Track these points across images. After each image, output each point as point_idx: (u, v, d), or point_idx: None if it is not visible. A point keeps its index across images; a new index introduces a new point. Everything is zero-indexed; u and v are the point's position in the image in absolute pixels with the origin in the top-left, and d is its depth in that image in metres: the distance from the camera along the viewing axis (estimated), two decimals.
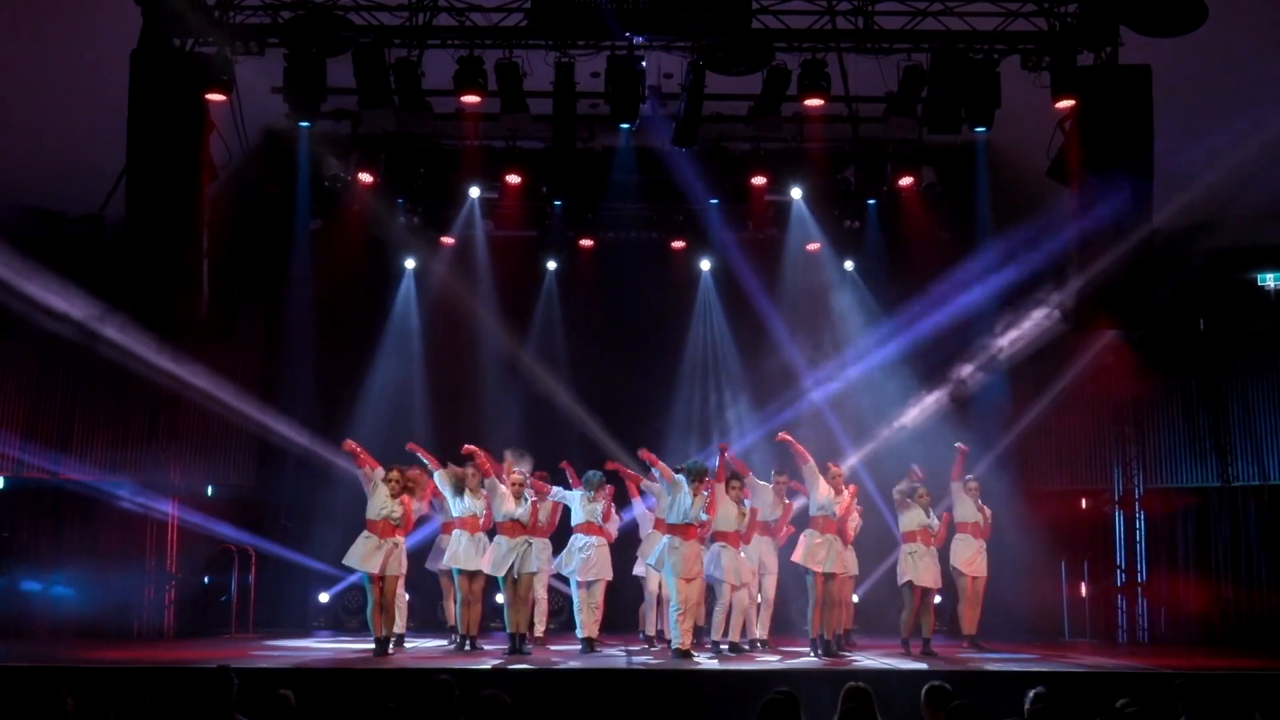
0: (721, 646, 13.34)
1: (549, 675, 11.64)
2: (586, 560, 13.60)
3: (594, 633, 13.64)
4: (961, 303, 15.62)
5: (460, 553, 13.39)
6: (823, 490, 13.45)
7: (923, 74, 13.98)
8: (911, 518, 13.88)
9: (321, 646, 14.00)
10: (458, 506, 13.49)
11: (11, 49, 13.27)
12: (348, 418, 16.63)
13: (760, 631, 14.21)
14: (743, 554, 13.56)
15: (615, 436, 16.62)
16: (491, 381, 17.37)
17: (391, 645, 13.04)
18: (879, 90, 14.39)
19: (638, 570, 14.43)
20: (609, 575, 13.85)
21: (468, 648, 13.44)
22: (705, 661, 12.58)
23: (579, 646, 13.50)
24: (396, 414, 16.98)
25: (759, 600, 14.27)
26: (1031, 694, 7.91)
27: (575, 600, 13.73)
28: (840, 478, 13.70)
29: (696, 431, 17.64)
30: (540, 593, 14.00)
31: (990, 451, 16.04)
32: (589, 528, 13.73)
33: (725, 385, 17.86)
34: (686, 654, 12.68)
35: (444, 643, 14.21)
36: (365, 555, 12.71)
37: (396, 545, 12.89)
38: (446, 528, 13.88)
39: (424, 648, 14.08)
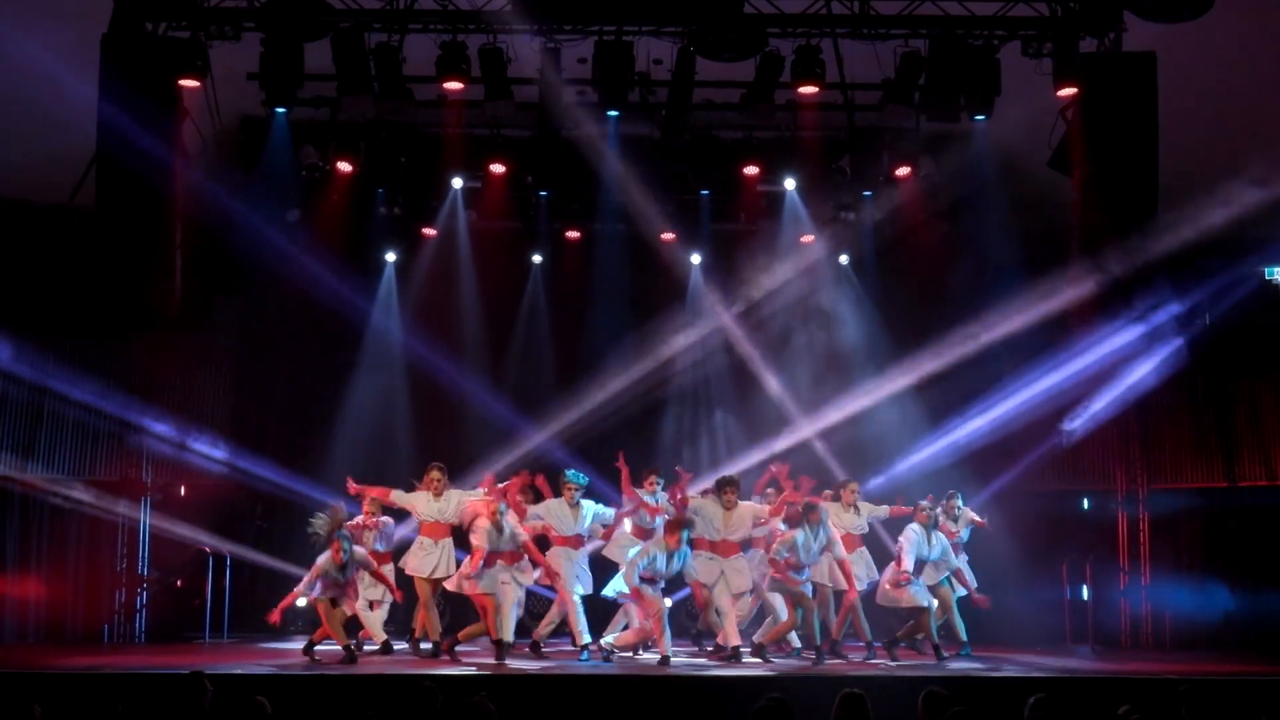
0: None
1: (535, 681, 11.51)
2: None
3: None
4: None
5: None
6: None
7: (921, 60, 13.89)
8: None
9: (298, 648, 13.65)
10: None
11: None
12: (325, 415, 16.48)
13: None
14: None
15: (607, 440, 16.18)
16: (476, 379, 16.97)
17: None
18: (875, 77, 14.26)
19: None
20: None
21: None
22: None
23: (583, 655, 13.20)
24: (377, 412, 16.74)
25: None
26: (1031, 700, 7.66)
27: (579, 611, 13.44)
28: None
29: (688, 438, 17.40)
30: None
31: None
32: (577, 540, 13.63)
33: (718, 387, 17.57)
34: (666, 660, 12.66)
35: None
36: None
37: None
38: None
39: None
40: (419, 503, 13.46)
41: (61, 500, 14.93)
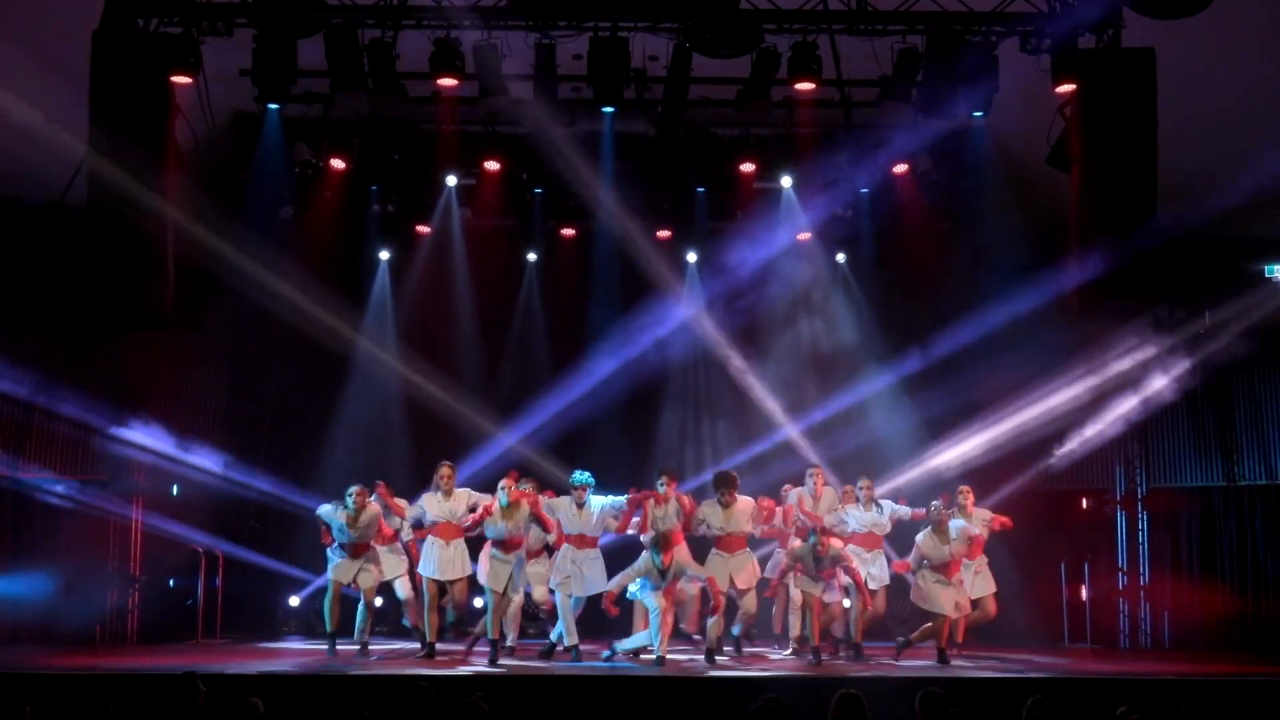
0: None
1: (531, 682, 11.44)
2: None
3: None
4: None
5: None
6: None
7: (918, 56, 13.78)
8: None
9: (292, 649, 13.81)
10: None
11: None
12: (321, 413, 16.45)
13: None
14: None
15: (599, 443, 16.31)
16: (471, 378, 16.92)
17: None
18: (872, 74, 14.16)
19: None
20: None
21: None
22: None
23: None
24: (372, 411, 16.70)
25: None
26: (1029, 701, 7.63)
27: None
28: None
29: (688, 440, 17.41)
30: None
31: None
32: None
33: (712, 388, 17.50)
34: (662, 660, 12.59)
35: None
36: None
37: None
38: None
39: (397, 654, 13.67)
40: (429, 505, 13.20)
41: (53, 498, 14.80)
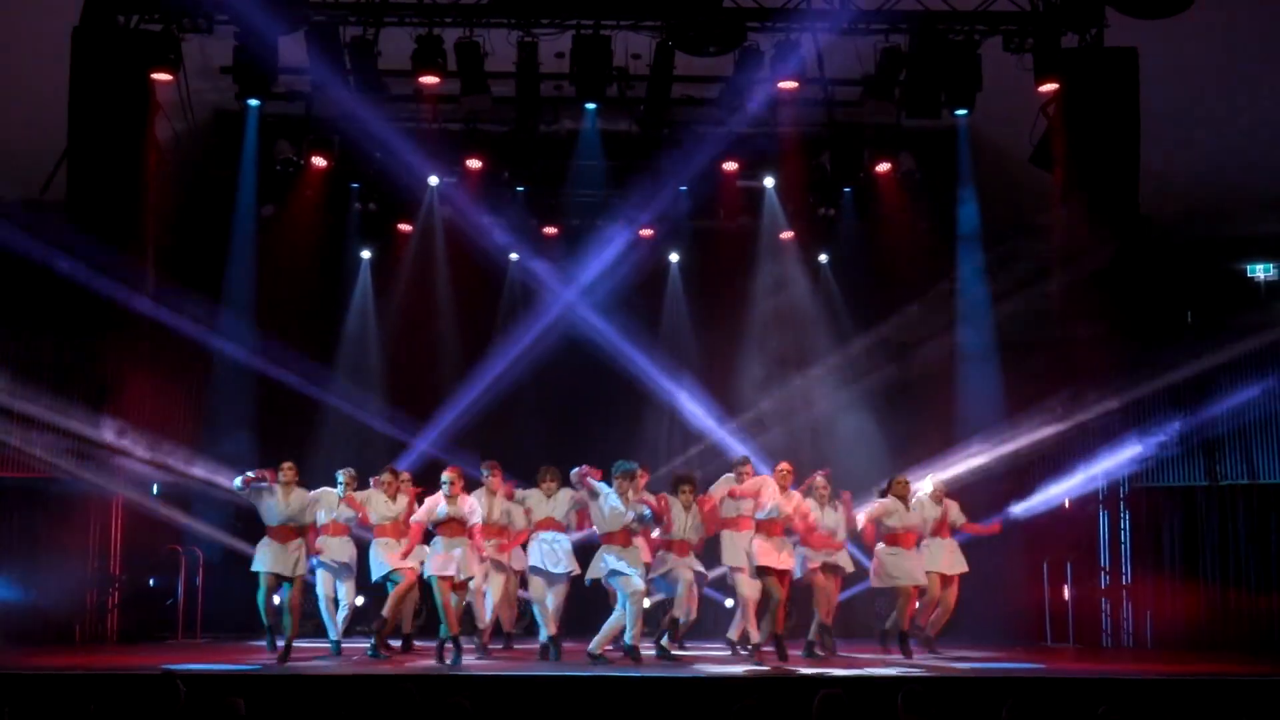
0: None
1: (515, 683, 11.25)
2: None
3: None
4: None
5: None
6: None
7: (901, 55, 13.91)
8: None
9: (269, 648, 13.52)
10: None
11: None
12: (303, 414, 16.34)
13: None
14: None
15: (585, 441, 16.11)
16: (454, 379, 16.82)
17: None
18: (855, 72, 14.24)
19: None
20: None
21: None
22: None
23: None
24: (356, 410, 16.51)
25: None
26: (1010, 701, 7.55)
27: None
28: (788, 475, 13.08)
29: (667, 438, 17.31)
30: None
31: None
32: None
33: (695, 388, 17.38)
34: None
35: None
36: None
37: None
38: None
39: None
40: (434, 506, 12.73)
41: (33, 494, 14.65)
